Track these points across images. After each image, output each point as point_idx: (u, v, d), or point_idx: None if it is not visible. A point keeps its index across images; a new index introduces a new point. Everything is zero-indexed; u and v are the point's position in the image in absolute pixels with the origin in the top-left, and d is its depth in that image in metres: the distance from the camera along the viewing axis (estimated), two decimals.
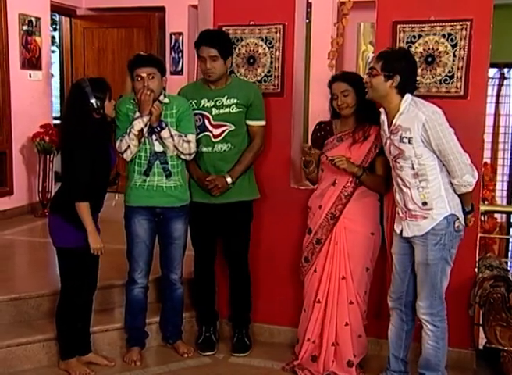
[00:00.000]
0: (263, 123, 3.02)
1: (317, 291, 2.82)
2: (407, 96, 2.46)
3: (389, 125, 2.51)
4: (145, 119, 2.76)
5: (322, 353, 2.81)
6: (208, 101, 2.92)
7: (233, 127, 2.93)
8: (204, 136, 2.94)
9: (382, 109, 2.55)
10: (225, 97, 2.91)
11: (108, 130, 2.65)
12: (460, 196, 2.49)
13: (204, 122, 2.93)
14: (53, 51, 6.30)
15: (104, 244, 2.67)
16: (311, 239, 2.85)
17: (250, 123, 2.98)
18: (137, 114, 2.78)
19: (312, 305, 2.84)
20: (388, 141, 2.53)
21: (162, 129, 2.79)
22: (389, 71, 2.43)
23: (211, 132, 2.93)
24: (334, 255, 2.78)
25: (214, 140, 2.93)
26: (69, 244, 2.67)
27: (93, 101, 2.58)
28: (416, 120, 2.40)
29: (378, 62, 2.46)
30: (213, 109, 2.92)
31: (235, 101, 2.91)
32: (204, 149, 2.94)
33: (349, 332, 2.78)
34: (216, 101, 2.91)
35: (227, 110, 2.91)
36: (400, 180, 2.51)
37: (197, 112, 2.94)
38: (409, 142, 2.42)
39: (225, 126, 2.92)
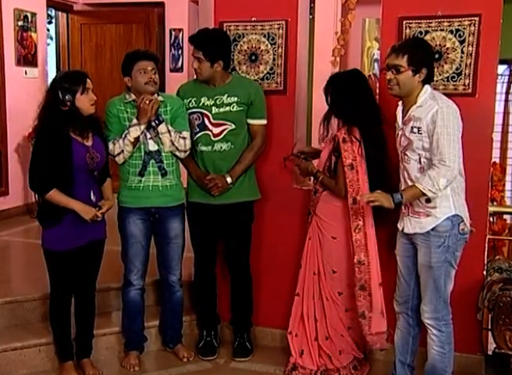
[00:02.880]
0: (264, 121, 2.96)
1: (296, 284, 2.87)
2: (426, 88, 2.42)
3: (404, 116, 2.47)
4: (142, 127, 2.72)
5: (309, 348, 2.82)
6: (208, 99, 2.86)
7: (234, 126, 2.87)
8: (204, 135, 2.88)
9: (399, 102, 2.52)
10: (226, 95, 2.85)
11: (78, 123, 2.53)
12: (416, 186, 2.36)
13: (203, 120, 2.88)
14: (48, 44, 6.20)
15: (97, 211, 2.58)
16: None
17: (250, 121, 2.92)
18: (134, 121, 2.73)
19: (294, 298, 2.88)
20: (400, 132, 2.50)
21: (160, 123, 2.75)
22: (416, 65, 2.38)
23: (211, 131, 2.88)
24: (308, 250, 2.83)
25: (214, 139, 2.88)
26: (44, 244, 2.65)
27: (59, 92, 2.51)
28: (430, 111, 2.35)
29: (402, 57, 2.38)
30: (213, 108, 2.86)
31: (235, 99, 2.85)
32: (204, 148, 2.89)
33: (322, 329, 2.80)
34: (216, 99, 2.86)
35: (227, 109, 2.85)
36: (406, 174, 2.48)
37: (196, 110, 2.88)
38: (418, 132, 2.37)
39: (225, 124, 2.87)
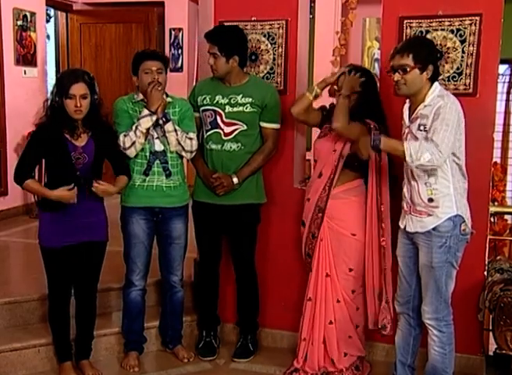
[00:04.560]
0: (277, 126, 2.94)
1: (308, 288, 2.81)
2: (436, 86, 2.41)
3: (411, 114, 2.46)
4: (154, 117, 2.72)
5: (315, 351, 2.79)
6: (223, 97, 2.86)
7: (245, 127, 2.86)
8: (215, 133, 2.88)
9: (407, 99, 2.50)
10: (241, 95, 2.85)
11: (67, 123, 2.54)
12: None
13: (215, 118, 2.87)
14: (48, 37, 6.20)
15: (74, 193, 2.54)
16: (308, 233, 2.80)
17: (263, 124, 2.91)
18: (145, 111, 2.72)
19: (305, 303, 2.82)
20: (406, 130, 2.48)
21: (168, 121, 2.74)
22: (422, 62, 2.37)
23: (223, 129, 2.87)
24: (320, 252, 2.76)
25: (224, 138, 2.87)
26: (40, 241, 2.65)
27: (53, 93, 2.55)
28: (435, 107, 2.34)
29: (407, 56, 2.37)
30: (227, 107, 2.85)
31: (250, 100, 2.84)
32: (214, 146, 2.89)
33: (334, 331, 2.76)
34: (231, 98, 2.85)
35: (241, 109, 2.85)
36: (410, 172, 2.46)
37: (210, 107, 2.88)
38: (424, 129, 2.36)
39: (237, 124, 2.86)
